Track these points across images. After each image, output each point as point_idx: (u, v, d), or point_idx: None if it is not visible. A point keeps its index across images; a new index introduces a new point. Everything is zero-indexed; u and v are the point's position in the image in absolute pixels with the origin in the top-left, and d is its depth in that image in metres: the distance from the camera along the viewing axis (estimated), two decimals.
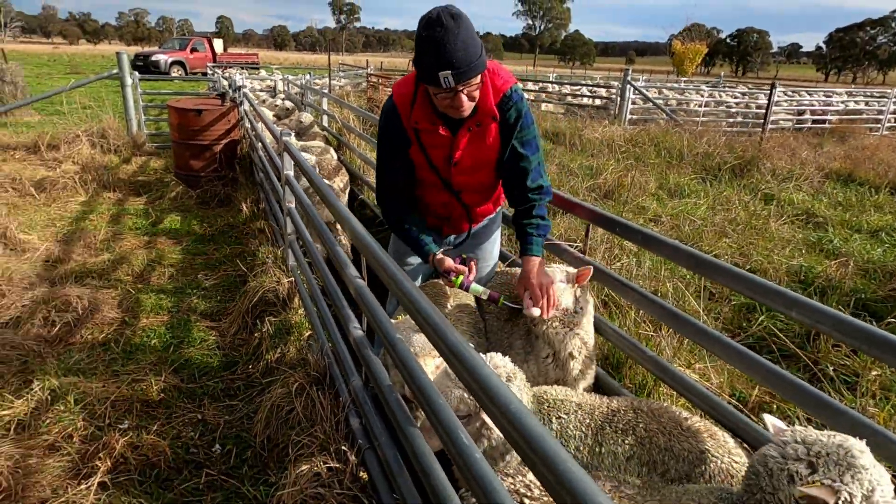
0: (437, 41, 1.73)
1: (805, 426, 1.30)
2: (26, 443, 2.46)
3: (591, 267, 2.12)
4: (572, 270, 2.15)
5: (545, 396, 1.79)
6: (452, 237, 2.53)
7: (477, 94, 1.94)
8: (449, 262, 2.13)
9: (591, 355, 2.16)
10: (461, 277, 2.08)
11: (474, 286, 2.09)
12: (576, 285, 2.12)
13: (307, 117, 7.31)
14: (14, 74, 11.51)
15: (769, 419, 1.34)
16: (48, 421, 2.61)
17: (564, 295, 2.07)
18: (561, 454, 0.86)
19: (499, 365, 1.64)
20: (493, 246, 2.65)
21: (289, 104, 8.51)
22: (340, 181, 5.33)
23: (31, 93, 12.18)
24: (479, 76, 1.88)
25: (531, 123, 2.14)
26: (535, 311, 1.99)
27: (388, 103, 2.12)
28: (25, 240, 4.78)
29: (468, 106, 1.93)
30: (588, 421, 1.71)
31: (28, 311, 3.54)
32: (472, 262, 2.19)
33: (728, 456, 1.62)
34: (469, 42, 1.77)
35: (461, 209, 2.35)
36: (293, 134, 3.82)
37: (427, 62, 1.78)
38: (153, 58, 27.66)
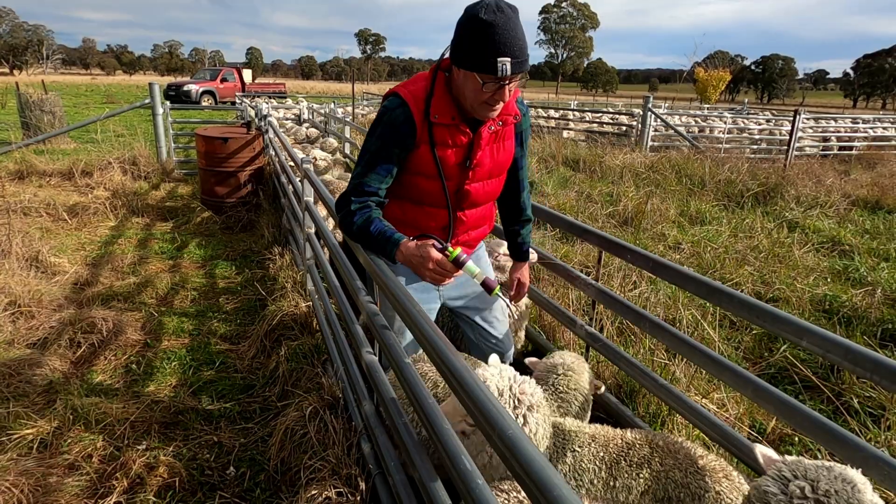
0: (499, 26, 1.65)
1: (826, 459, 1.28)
2: (47, 461, 2.52)
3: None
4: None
5: (559, 428, 1.78)
6: None
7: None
8: (434, 239, 1.85)
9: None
10: (458, 250, 1.78)
11: (471, 264, 1.79)
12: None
13: (330, 143, 7.49)
14: (53, 104, 12.01)
15: (759, 449, 1.32)
16: (69, 440, 2.68)
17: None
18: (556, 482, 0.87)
19: (526, 392, 1.60)
20: (490, 271, 2.63)
21: (313, 132, 8.72)
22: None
23: (69, 122, 12.68)
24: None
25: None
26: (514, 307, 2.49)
27: (395, 101, 1.92)
28: (56, 263, 4.94)
29: (504, 102, 1.85)
30: (602, 454, 1.69)
31: (55, 333, 3.65)
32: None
33: (740, 499, 1.58)
34: (524, 34, 1.73)
35: (461, 232, 2.19)
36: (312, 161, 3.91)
37: (484, 47, 1.68)
38: (185, 87, 28.59)
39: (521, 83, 1.90)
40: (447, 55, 1.86)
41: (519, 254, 2.47)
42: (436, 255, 1.76)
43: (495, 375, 1.59)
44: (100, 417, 2.84)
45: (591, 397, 2.15)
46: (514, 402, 1.55)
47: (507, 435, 0.99)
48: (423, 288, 2.26)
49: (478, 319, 2.46)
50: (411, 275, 2.13)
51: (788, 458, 1.23)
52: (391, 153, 1.94)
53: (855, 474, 1.12)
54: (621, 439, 1.73)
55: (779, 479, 1.17)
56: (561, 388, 2.08)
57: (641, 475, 1.63)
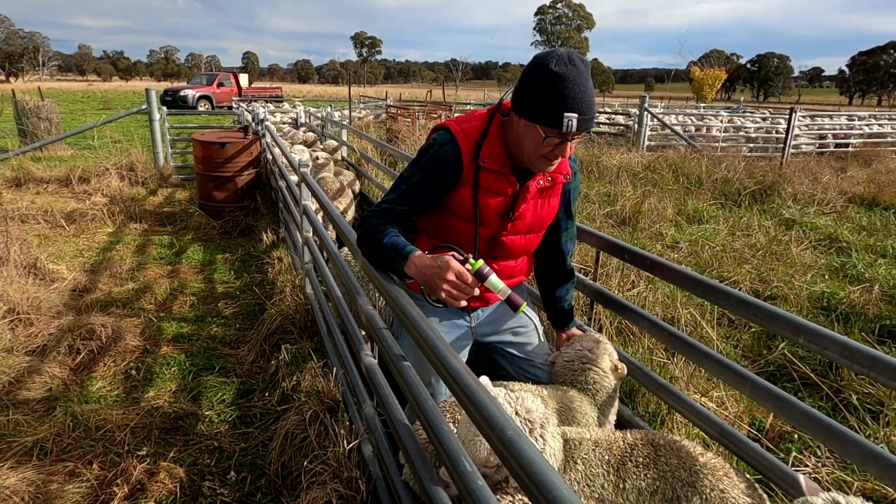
0: (570, 80, 1.59)
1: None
2: (48, 468, 2.52)
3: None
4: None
5: (564, 437, 1.75)
6: (479, 311, 2.24)
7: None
8: (455, 250, 1.72)
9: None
10: (481, 261, 1.65)
11: (495, 278, 1.64)
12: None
13: (330, 144, 7.52)
14: (49, 111, 11.99)
15: (804, 481, 1.32)
16: (69, 447, 2.67)
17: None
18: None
19: (532, 410, 1.54)
20: (530, 310, 2.41)
21: (310, 136, 8.74)
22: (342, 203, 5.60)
23: (65, 128, 12.68)
24: None
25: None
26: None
27: (445, 137, 1.84)
28: (54, 270, 4.94)
29: (563, 158, 1.78)
30: (607, 457, 1.68)
31: (54, 340, 3.65)
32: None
33: (743, 497, 1.59)
34: (593, 91, 1.66)
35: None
36: (311, 166, 3.93)
37: (552, 99, 1.60)
38: (181, 93, 28.60)
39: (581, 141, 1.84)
40: (507, 98, 1.80)
41: (562, 322, 2.29)
42: (455, 265, 1.62)
43: (500, 397, 1.55)
44: (100, 424, 2.84)
45: (617, 381, 2.09)
46: (527, 426, 1.50)
47: (507, 436, 1.00)
48: (452, 325, 2.18)
49: (514, 351, 2.28)
50: (441, 315, 2.12)
51: (833, 493, 1.24)
52: (430, 188, 1.86)
53: None
54: (623, 441, 1.73)
55: None
56: (584, 384, 2.03)
57: (648, 475, 1.63)
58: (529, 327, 2.33)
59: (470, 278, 1.62)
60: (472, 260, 1.64)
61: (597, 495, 1.58)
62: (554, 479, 0.88)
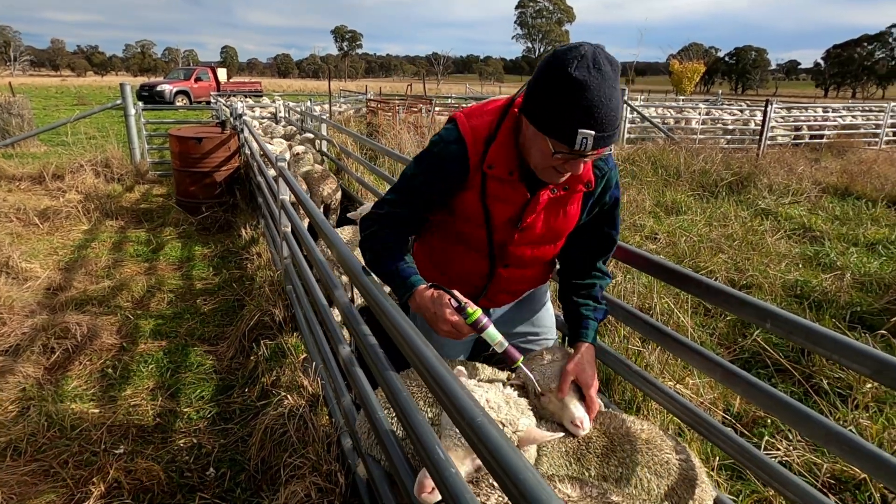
0: (592, 89, 1.30)
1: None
2: (21, 469, 2.48)
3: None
4: None
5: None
6: (492, 310, 2.04)
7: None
8: (456, 293, 1.56)
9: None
10: (478, 312, 1.52)
11: (492, 330, 1.54)
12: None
13: (308, 137, 7.52)
14: (20, 107, 11.74)
15: None
16: (44, 447, 2.64)
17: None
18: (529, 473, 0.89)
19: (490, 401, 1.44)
20: (548, 314, 2.18)
21: (290, 129, 8.68)
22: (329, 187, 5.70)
23: (38, 124, 12.41)
24: None
25: (619, 197, 1.74)
26: (586, 427, 1.61)
27: (452, 134, 1.62)
28: (28, 268, 4.84)
29: (572, 177, 1.53)
30: (564, 449, 1.68)
31: (28, 339, 3.59)
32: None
33: (676, 459, 1.65)
34: (619, 102, 1.36)
35: (497, 290, 1.88)
36: (287, 161, 3.90)
37: (566, 112, 1.33)
38: (158, 88, 28.16)
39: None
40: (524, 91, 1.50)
41: (574, 330, 1.81)
42: (450, 317, 1.49)
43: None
44: (75, 423, 2.80)
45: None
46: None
47: (476, 423, 1.01)
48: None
49: (530, 347, 2.08)
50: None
51: None
52: (433, 189, 1.67)
53: None
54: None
55: None
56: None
57: (611, 461, 1.64)
58: (545, 335, 2.13)
59: (465, 329, 1.52)
60: (468, 310, 1.52)
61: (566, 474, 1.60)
62: (520, 463, 0.90)
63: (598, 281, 1.83)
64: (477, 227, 1.70)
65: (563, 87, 1.32)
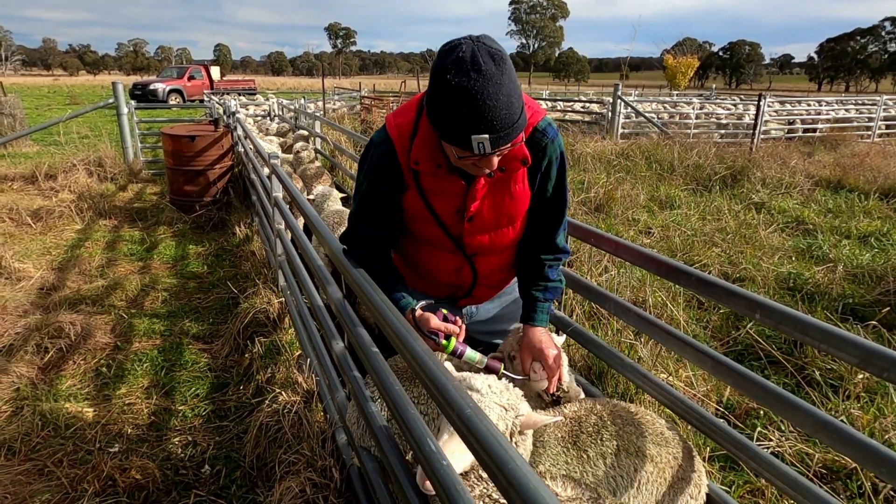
0: (473, 95, 1.25)
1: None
2: (16, 468, 2.48)
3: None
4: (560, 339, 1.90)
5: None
6: (474, 308, 2.00)
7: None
8: (435, 320, 1.62)
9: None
10: (453, 340, 1.61)
11: (470, 353, 1.64)
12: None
13: (301, 134, 7.51)
14: (12, 107, 11.68)
15: None
16: (39, 446, 2.63)
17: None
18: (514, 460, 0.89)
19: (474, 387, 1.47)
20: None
21: (283, 126, 8.66)
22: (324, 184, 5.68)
23: (30, 124, 12.33)
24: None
25: (566, 168, 1.67)
26: (544, 384, 1.73)
27: (381, 134, 1.61)
28: (21, 268, 4.83)
29: (497, 164, 1.46)
30: (559, 434, 1.70)
31: (21, 339, 3.58)
32: (458, 321, 1.68)
33: (668, 431, 1.72)
34: (513, 93, 1.30)
35: (482, 277, 1.85)
36: (279, 158, 3.90)
37: (456, 121, 1.30)
38: (151, 86, 28.01)
39: None
40: None
41: (525, 313, 1.80)
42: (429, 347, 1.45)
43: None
44: (70, 422, 2.80)
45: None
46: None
47: (465, 415, 1.02)
48: None
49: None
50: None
51: None
52: (380, 194, 1.65)
53: None
54: (565, 417, 1.73)
55: None
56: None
57: (605, 438, 1.66)
58: None
59: (444, 357, 1.60)
60: (443, 341, 1.61)
61: (563, 472, 1.61)
62: (509, 453, 0.90)
63: (548, 258, 1.78)
64: (429, 225, 1.69)
65: (447, 96, 1.29)
